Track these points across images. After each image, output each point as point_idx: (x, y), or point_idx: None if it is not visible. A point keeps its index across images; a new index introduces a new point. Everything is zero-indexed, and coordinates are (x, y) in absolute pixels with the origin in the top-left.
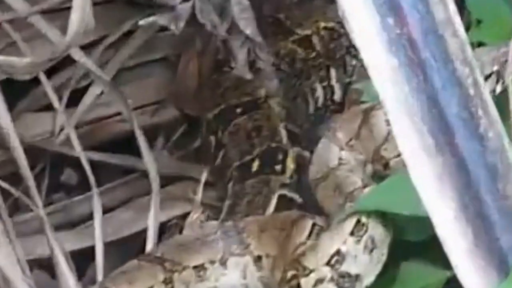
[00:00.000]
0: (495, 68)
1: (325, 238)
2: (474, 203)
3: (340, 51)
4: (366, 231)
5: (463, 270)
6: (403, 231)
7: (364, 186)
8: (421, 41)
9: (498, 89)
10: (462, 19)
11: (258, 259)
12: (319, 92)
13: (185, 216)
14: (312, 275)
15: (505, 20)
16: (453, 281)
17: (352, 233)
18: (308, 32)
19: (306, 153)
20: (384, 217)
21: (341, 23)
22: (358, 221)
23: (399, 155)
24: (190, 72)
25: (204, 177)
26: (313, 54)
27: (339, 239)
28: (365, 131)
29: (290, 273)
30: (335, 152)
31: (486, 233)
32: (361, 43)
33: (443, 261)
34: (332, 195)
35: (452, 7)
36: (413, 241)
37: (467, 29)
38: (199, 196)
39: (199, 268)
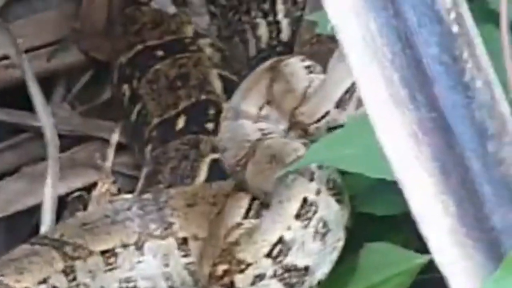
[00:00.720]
0: None
1: (264, 222)
2: (458, 170)
3: None
4: (315, 211)
5: (444, 255)
6: (366, 203)
7: None
8: None
9: None
10: None
11: (183, 242)
12: (263, 30)
13: (91, 187)
14: (249, 270)
15: None
16: (431, 269)
17: (298, 216)
18: None
19: None
20: (339, 189)
21: None
22: (305, 200)
23: (319, 119)
24: (98, 3)
25: (115, 137)
26: None
27: (281, 223)
28: (279, 87)
29: (221, 268)
30: (249, 127)
31: (473, 208)
32: None
33: (419, 243)
34: (268, 168)
35: None
36: (379, 216)
37: None
38: (109, 162)
39: (109, 253)
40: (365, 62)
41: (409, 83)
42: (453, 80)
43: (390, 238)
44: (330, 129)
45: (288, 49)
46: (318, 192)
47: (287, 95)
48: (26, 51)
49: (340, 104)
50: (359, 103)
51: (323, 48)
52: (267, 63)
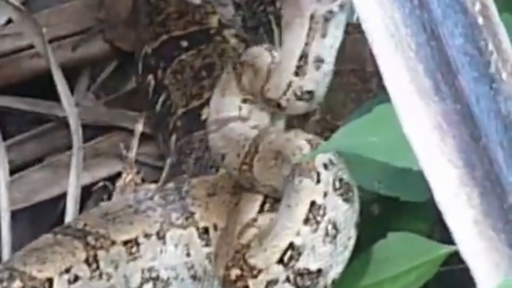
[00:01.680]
0: None
1: (273, 228)
2: (483, 162)
3: None
4: (324, 214)
5: (468, 246)
6: (391, 188)
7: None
8: None
9: None
10: None
11: (204, 231)
12: None
13: (115, 177)
14: (261, 276)
15: None
16: (455, 260)
17: (306, 220)
18: None
19: None
20: (346, 187)
21: None
22: (313, 204)
23: (284, 92)
24: None
25: (139, 128)
26: None
27: (290, 229)
28: (247, 77)
29: (234, 272)
30: (241, 127)
31: (498, 200)
32: None
33: (442, 233)
34: (274, 165)
35: None
36: (404, 202)
37: None
38: (133, 152)
39: (131, 243)
40: (390, 52)
41: (433, 75)
42: (478, 72)
43: (416, 226)
44: (300, 98)
45: None
46: (325, 194)
47: (256, 77)
48: (51, 41)
49: (299, 71)
50: (318, 64)
51: (350, 38)
52: (228, 64)
